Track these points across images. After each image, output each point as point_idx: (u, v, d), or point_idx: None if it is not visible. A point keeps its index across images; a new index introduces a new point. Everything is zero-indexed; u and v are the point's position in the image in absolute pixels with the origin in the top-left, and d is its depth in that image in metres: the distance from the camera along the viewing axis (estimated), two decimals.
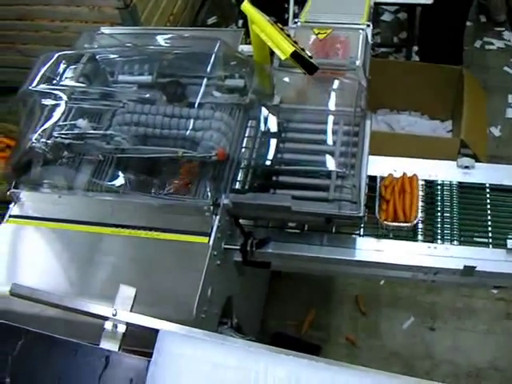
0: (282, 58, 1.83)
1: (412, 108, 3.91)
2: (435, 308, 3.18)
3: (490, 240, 2.14)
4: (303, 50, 1.85)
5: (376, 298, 3.23)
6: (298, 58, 1.81)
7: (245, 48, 2.31)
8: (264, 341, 1.50)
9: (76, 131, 2.04)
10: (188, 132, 1.95)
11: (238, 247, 2.03)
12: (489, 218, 2.19)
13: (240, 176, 2.00)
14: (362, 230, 2.17)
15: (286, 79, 2.19)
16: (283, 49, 1.81)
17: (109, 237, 1.94)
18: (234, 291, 2.17)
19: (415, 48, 4.32)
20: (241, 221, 2.10)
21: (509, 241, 2.09)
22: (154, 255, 1.90)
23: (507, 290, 3.13)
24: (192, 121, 1.97)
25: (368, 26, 2.47)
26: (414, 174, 2.23)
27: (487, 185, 2.26)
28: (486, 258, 2.08)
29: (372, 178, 2.27)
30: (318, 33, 2.24)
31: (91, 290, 1.82)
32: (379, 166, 2.30)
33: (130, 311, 1.50)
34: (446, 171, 2.30)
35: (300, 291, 3.23)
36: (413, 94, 3.79)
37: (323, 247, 2.11)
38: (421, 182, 2.27)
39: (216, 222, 1.88)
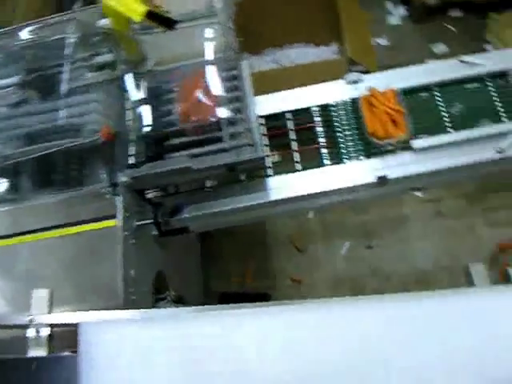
0: (137, 19, 1.77)
1: (296, 40, 3.86)
2: (368, 227, 3.21)
3: (396, 146, 2.14)
4: (158, 6, 1.80)
5: (309, 233, 3.24)
6: (153, 16, 1.76)
7: (106, 22, 2.23)
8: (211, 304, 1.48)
9: None
10: (66, 121, 1.90)
11: (150, 221, 1.99)
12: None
13: (132, 150, 1.94)
14: (271, 169, 2.16)
15: (154, 40, 2.13)
16: (135, 10, 1.75)
17: (17, 246, 1.86)
18: (163, 264, 2.13)
19: None
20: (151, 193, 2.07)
21: (412, 141, 2.11)
22: (68, 252, 1.83)
23: (432, 191, 3.19)
24: (67, 110, 1.92)
25: None
26: None
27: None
28: (395, 164, 2.10)
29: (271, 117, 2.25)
30: None
31: (11, 304, 1.75)
32: (270, 103, 2.27)
33: (49, 313, 1.46)
34: (337, 91, 2.28)
35: (236, 245, 3.21)
36: (293, 26, 3.73)
37: (236, 197, 2.08)
38: (315, 109, 2.26)
39: (119, 202, 1.83)
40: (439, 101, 2.24)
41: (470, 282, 1.69)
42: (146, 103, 1.99)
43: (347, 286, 3.05)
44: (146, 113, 1.96)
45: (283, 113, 2.25)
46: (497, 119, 2.18)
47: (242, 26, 2.88)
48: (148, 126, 1.93)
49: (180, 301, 2.13)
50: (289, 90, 2.32)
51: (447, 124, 2.18)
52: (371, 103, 2.16)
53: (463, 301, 1.29)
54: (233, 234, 3.16)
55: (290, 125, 2.23)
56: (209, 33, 2.10)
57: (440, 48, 3.73)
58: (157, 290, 2.02)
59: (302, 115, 2.25)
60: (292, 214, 3.01)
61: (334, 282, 3.08)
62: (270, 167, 2.15)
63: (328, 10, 3.58)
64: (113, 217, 1.82)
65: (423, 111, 2.22)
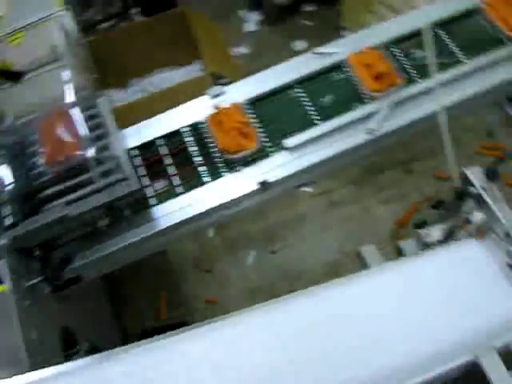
0: None
1: (161, 65, 3.86)
2: (268, 232, 3.23)
3: (271, 149, 2.17)
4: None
5: (213, 251, 3.23)
6: None
7: None
8: None
9: None
10: None
11: (41, 278, 1.93)
12: (260, 129, 2.21)
13: (6, 211, 1.88)
14: (156, 198, 2.13)
15: (9, 95, 2.08)
16: None
17: None
18: (68, 318, 2.08)
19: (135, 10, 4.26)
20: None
21: (284, 141, 2.13)
22: None
23: (321, 183, 3.25)
24: None
25: (64, 9, 2.37)
26: None
27: (244, 101, 2.26)
28: (273, 167, 2.12)
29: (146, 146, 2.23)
30: (11, 40, 2.14)
31: None
32: (142, 133, 2.25)
33: None
34: (202, 108, 2.28)
35: (143, 281, 3.16)
36: (155, 53, 3.74)
37: (124, 235, 2.04)
38: (185, 129, 2.25)
39: (3, 266, 1.77)
40: (303, 96, 2.27)
41: (363, 265, 1.71)
42: (8, 161, 1.93)
43: (262, 294, 3.05)
44: (8, 171, 1.90)
45: (155, 139, 2.24)
46: (363, 101, 2.23)
47: (104, 61, 2.86)
48: (13, 183, 1.88)
49: (94, 350, 2.06)
50: (157, 116, 2.31)
51: (316, 117, 2.22)
52: (219, 120, 2.17)
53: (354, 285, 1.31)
54: (138, 270, 3.11)
55: (164, 150, 2.21)
56: (64, 76, 2.07)
57: (300, 45, 3.80)
58: (67, 345, 1.96)
59: (174, 138, 2.24)
60: (189, 237, 2.99)
61: (248, 293, 3.08)
62: (153, 196, 2.13)
63: (184, 31, 3.59)
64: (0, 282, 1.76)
65: (291, 109, 2.25)
